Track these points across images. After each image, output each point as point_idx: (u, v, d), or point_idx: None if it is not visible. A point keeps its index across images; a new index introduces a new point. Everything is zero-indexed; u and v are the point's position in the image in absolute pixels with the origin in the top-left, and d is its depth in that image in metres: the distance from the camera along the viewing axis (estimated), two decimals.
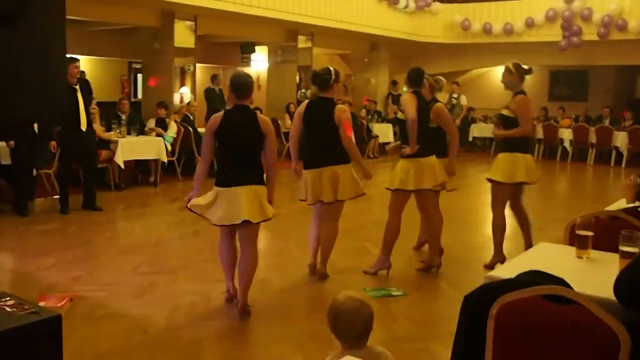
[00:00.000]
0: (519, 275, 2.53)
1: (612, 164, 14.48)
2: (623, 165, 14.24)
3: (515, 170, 5.53)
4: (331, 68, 5.20)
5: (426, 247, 5.88)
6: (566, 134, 15.10)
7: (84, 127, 7.66)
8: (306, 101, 5.27)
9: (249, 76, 4.61)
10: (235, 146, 4.42)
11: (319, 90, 5.15)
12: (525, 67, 5.62)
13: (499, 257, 5.67)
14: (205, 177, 4.68)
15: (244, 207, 4.27)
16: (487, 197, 5.94)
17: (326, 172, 5.07)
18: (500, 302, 2.33)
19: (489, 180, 5.68)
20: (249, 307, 4.51)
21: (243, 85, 4.47)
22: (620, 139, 14.33)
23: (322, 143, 5.13)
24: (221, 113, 4.51)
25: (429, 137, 5.38)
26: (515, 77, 5.57)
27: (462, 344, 2.59)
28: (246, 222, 4.29)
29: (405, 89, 7.37)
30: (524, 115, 5.47)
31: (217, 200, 4.39)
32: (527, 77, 5.72)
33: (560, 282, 2.40)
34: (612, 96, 17.38)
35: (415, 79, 5.44)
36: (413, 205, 5.59)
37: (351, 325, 2.38)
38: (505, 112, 5.51)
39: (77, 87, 7.51)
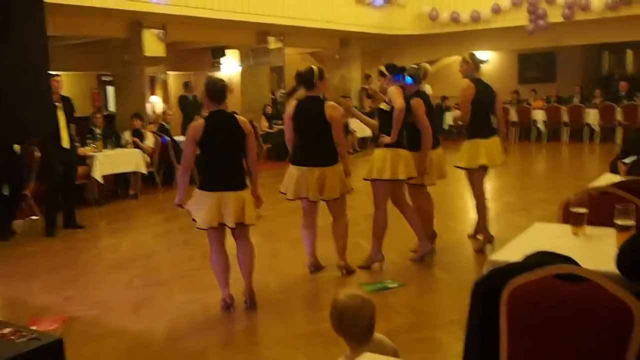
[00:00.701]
0: (526, 258, 2.54)
1: (587, 141, 14.68)
2: (597, 141, 14.45)
3: (476, 155, 5.73)
4: (314, 67, 5.19)
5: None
6: (539, 115, 15.29)
7: (66, 145, 7.54)
8: (294, 102, 5.24)
9: (222, 80, 4.74)
10: (219, 151, 4.51)
11: (307, 90, 5.15)
12: (480, 57, 5.89)
13: (487, 238, 5.77)
14: (188, 184, 4.78)
15: (233, 211, 4.43)
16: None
17: (315, 173, 5.07)
18: (512, 285, 2.33)
19: (457, 167, 5.92)
20: (255, 295, 4.72)
21: (218, 90, 4.56)
22: (592, 116, 14.55)
23: (312, 142, 5.12)
24: (201, 121, 4.56)
25: (409, 130, 5.40)
26: (471, 66, 5.84)
27: (475, 332, 2.58)
28: (238, 224, 4.48)
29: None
30: (463, 103, 5.80)
31: (203, 204, 4.52)
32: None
33: (569, 260, 2.41)
34: (579, 75, 17.59)
35: (396, 73, 5.46)
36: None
37: (357, 324, 2.38)
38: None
39: (59, 104, 7.38)
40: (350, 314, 2.39)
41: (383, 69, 5.47)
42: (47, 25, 2.35)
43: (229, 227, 4.53)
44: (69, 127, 7.59)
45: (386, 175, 5.28)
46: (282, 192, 5.30)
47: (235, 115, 4.66)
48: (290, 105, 5.25)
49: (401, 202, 5.55)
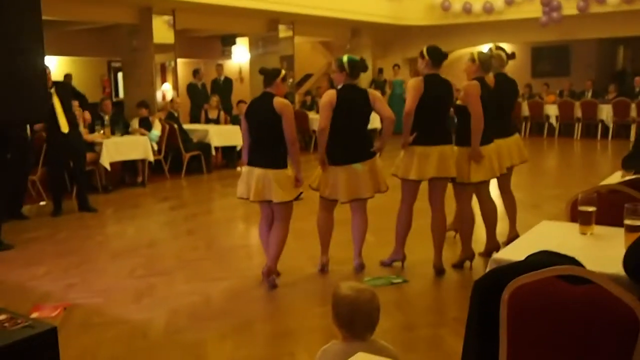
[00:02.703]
0: (529, 257, 2.48)
1: (599, 137, 14.51)
2: (609, 137, 14.29)
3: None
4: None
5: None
6: (552, 110, 15.12)
7: (65, 130, 7.60)
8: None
9: (274, 68, 4.95)
10: (255, 129, 4.81)
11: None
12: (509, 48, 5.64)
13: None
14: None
15: (252, 188, 4.76)
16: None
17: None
18: (514, 285, 2.27)
19: None
20: (275, 274, 4.93)
21: (268, 74, 4.82)
22: (605, 112, 14.37)
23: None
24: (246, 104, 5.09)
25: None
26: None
27: (475, 331, 2.53)
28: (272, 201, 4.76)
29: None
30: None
31: (244, 177, 4.88)
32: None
33: (572, 261, 2.35)
34: (594, 70, 17.40)
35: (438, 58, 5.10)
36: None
37: (365, 318, 2.31)
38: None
39: (52, 90, 7.41)
40: (364, 308, 2.31)
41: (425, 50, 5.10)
42: (41, 11, 2.29)
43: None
44: (66, 113, 7.62)
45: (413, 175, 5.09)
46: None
47: (275, 97, 4.75)
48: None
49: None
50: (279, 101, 4.69)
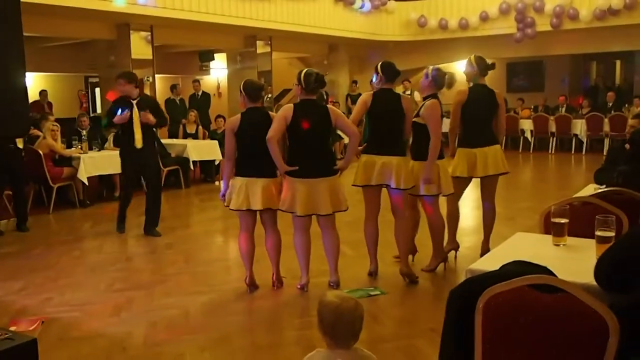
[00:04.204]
0: (503, 267, 2.54)
1: (573, 151, 14.76)
2: (584, 152, 14.53)
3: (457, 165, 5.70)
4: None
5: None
6: (526, 125, 15.36)
7: (138, 145, 7.22)
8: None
9: (259, 82, 5.28)
10: (252, 143, 4.95)
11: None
12: (488, 61, 5.72)
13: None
14: (232, 173, 5.09)
15: (258, 197, 4.94)
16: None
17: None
18: (488, 294, 2.33)
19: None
20: (281, 277, 5.29)
21: (256, 89, 5.08)
22: (579, 127, 14.62)
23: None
24: (238, 115, 5.05)
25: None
26: (475, 69, 5.68)
27: (450, 339, 2.57)
28: (266, 209, 4.99)
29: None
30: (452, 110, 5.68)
31: (238, 189, 4.98)
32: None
33: (545, 270, 2.41)
34: (568, 85, 17.71)
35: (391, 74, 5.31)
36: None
37: (348, 326, 2.34)
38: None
39: (135, 103, 7.18)
40: (347, 316, 2.34)
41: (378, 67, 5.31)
42: (22, 24, 2.31)
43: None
44: (143, 128, 7.23)
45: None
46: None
47: (268, 112, 5.11)
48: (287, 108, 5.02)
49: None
50: (274, 116, 4.99)
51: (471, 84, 5.76)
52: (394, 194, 5.28)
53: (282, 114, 4.88)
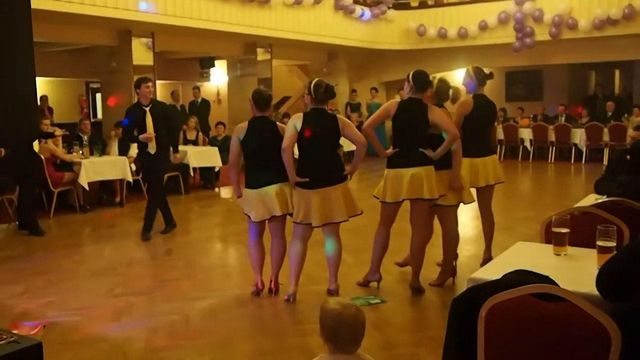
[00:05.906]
0: (505, 275, 2.56)
1: (572, 160, 14.78)
2: (583, 161, 14.56)
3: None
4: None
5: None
6: (526, 134, 15.39)
7: (152, 150, 7.37)
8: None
9: (268, 92, 5.27)
10: (256, 150, 5.05)
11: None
12: (486, 71, 5.74)
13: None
14: (238, 179, 5.23)
15: (275, 203, 5.01)
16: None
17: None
18: (490, 303, 2.35)
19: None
20: (279, 284, 5.29)
21: (264, 99, 5.13)
22: (579, 136, 14.65)
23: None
24: (245, 122, 5.12)
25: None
26: (474, 80, 5.68)
27: (453, 348, 2.60)
28: (275, 216, 5.07)
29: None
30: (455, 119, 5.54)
31: (255, 202, 5.06)
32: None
33: (547, 280, 2.44)
34: (566, 94, 17.77)
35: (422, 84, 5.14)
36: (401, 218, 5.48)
37: (350, 332, 2.36)
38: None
39: (147, 109, 7.35)
40: (349, 322, 2.36)
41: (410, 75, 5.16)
42: (33, 32, 2.34)
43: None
44: (156, 133, 7.37)
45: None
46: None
47: (275, 121, 5.22)
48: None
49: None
50: (281, 127, 5.12)
51: (472, 95, 5.77)
52: (421, 205, 5.17)
53: (292, 124, 4.92)
